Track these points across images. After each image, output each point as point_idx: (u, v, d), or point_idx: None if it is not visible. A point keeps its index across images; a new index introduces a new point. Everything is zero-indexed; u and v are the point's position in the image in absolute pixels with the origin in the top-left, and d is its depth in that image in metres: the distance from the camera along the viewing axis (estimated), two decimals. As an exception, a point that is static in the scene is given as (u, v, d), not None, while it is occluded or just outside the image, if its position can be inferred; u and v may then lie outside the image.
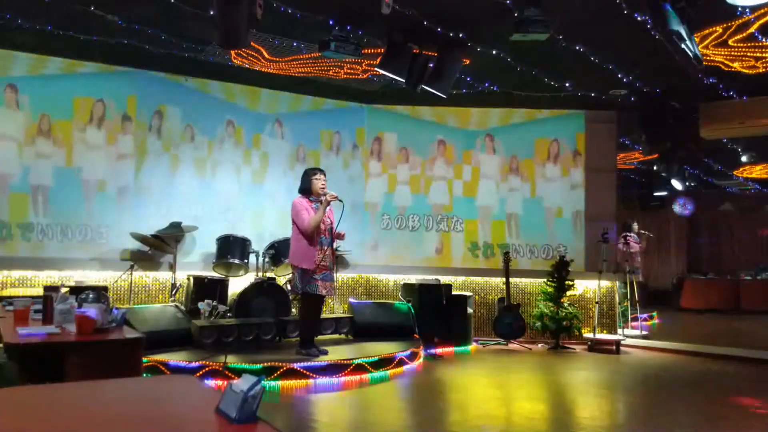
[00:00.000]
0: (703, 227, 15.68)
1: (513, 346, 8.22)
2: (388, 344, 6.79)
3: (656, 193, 13.48)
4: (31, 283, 6.82)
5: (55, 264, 6.89)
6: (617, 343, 8.07)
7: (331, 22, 5.92)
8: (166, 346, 5.89)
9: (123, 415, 1.96)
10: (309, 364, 5.79)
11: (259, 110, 8.13)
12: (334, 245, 6.18)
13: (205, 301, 6.69)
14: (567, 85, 7.71)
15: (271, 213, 8.07)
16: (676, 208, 14.37)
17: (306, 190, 6.04)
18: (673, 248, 15.85)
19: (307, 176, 6.08)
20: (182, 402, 2.14)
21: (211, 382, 5.33)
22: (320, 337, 7.05)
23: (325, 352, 6.08)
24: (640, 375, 6.78)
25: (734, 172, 12.35)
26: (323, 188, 5.98)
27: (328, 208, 5.94)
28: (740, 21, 5.70)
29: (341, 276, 8.35)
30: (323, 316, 7.53)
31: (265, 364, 5.65)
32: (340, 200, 5.89)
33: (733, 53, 6.41)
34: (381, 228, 8.76)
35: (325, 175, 6.11)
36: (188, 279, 7.21)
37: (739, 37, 6.02)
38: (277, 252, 7.31)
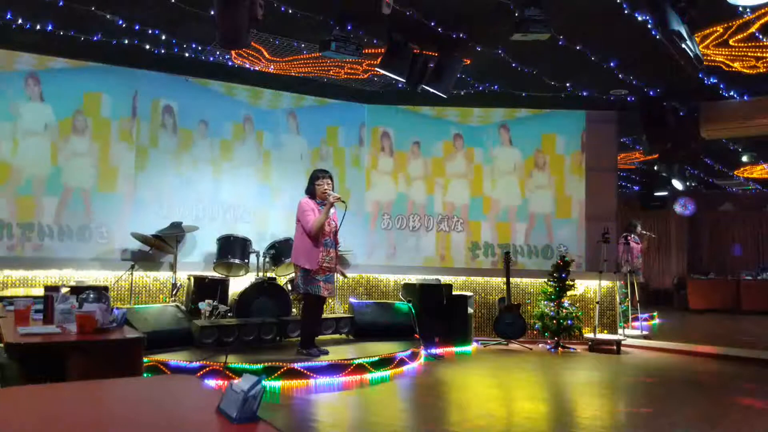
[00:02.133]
0: (704, 227, 15.68)
1: (513, 346, 8.22)
2: (389, 344, 6.79)
3: (657, 193, 13.50)
4: (31, 283, 6.82)
5: (56, 264, 6.90)
6: (618, 343, 8.07)
7: (331, 22, 5.92)
8: (167, 346, 5.89)
9: (123, 415, 1.96)
10: (309, 364, 5.79)
11: (260, 110, 8.12)
12: (338, 247, 6.18)
13: (206, 301, 6.69)
14: (567, 85, 7.72)
15: (272, 213, 8.08)
16: (677, 208, 14.37)
17: (312, 192, 6.06)
18: (674, 248, 15.85)
19: (312, 180, 6.10)
20: (183, 402, 2.14)
21: (212, 382, 5.32)
22: (321, 336, 7.05)
23: (326, 352, 6.09)
24: (640, 375, 6.77)
25: (735, 172, 12.35)
26: (326, 192, 5.97)
27: (332, 210, 5.95)
28: (741, 21, 5.70)
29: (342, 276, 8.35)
30: (324, 315, 7.54)
31: (266, 364, 5.65)
32: (343, 201, 5.90)
33: (733, 53, 6.41)
34: (382, 228, 8.76)
35: (331, 177, 6.11)
36: (189, 279, 7.22)
37: (739, 37, 6.02)
38: (278, 252, 7.32)
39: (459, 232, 8.81)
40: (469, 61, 6.96)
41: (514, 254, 8.62)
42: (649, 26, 5.65)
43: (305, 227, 5.88)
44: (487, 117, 8.86)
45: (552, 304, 8.18)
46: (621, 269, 9.06)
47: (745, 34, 5.96)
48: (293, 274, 6.68)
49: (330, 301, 8.20)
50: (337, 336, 7.23)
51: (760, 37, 5.98)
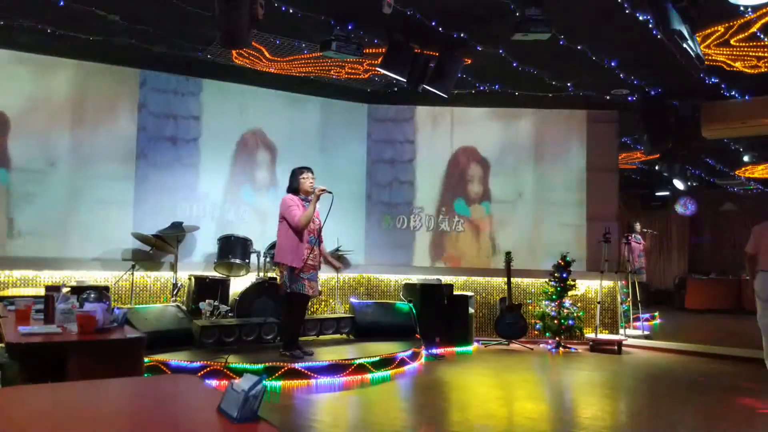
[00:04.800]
0: (705, 227, 15.67)
1: (514, 346, 8.21)
2: (390, 344, 6.78)
3: (658, 193, 13.49)
4: (32, 283, 6.82)
5: (57, 264, 6.90)
6: (619, 343, 8.06)
7: (332, 22, 5.92)
8: (168, 346, 5.89)
9: (124, 415, 1.96)
10: (310, 364, 5.78)
11: (260, 110, 8.12)
12: (322, 245, 6.10)
13: (207, 301, 6.70)
14: (568, 84, 7.71)
15: (273, 213, 8.06)
16: (678, 208, 14.36)
17: (294, 189, 5.98)
18: (675, 248, 15.85)
19: (295, 175, 6.01)
20: (184, 401, 2.14)
21: (213, 382, 5.32)
22: (322, 336, 7.06)
23: (311, 353, 6.01)
24: (641, 375, 6.77)
25: (736, 172, 12.34)
26: (312, 185, 5.91)
27: (318, 204, 5.87)
28: (742, 20, 5.69)
29: (342, 276, 8.35)
30: (325, 316, 7.54)
31: (267, 363, 5.65)
32: (330, 192, 5.81)
33: (735, 53, 6.41)
34: (383, 228, 8.76)
35: (312, 173, 6.03)
36: (190, 279, 7.22)
37: (741, 36, 6.01)
38: (279, 252, 7.30)
39: (460, 232, 8.80)
40: (470, 61, 6.95)
41: (514, 254, 8.59)
42: (650, 26, 5.65)
43: (292, 221, 5.78)
44: (487, 115, 8.86)
45: (553, 304, 8.17)
46: (626, 269, 9.05)
47: (746, 34, 5.96)
48: (279, 273, 6.30)
49: (330, 300, 8.21)
50: (338, 336, 7.23)
51: (762, 36, 5.98)
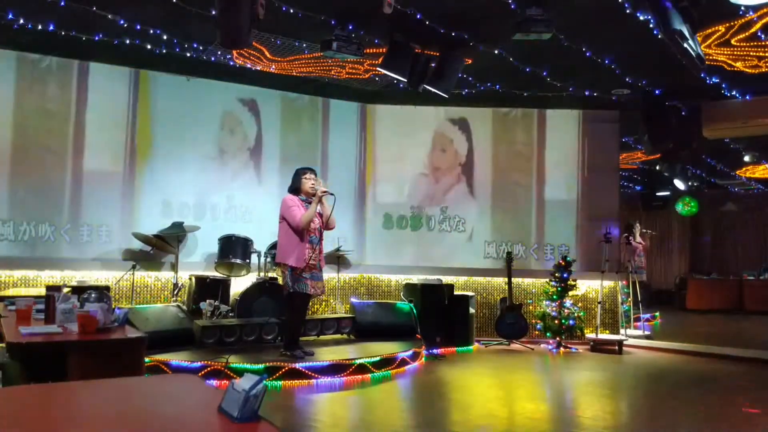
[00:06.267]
0: (706, 227, 15.67)
1: (515, 346, 8.21)
2: (390, 344, 6.79)
3: (659, 193, 13.49)
4: (33, 283, 6.82)
5: (57, 264, 6.90)
6: (620, 343, 8.06)
7: (332, 22, 5.92)
8: (168, 346, 5.90)
9: (125, 415, 1.96)
10: (311, 364, 5.78)
11: (260, 110, 8.11)
12: (323, 244, 6.11)
13: (207, 301, 6.70)
14: (569, 84, 7.70)
15: (274, 213, 8.05)
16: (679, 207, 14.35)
17: (296, 189, 5.99)
18: (676, 248, 15.84)
19: (297, 176, 6.04)
20: (184, 401, 2.14)
21: (213, 382, 5.32)
22: (323, 336, 7.06)
23: (311, 353, 6.01)
24: (642, 375, 6.77)
25: (737, 172, 12.34)
26: (313, 187, 5.92)
27: (319, 205, 5.88)
28: (743, 20, 5.69)
29: (343, 276, 8.35)
30: (325, 316, 7.54)
31: (267, 363, 5.65)
32: (332, 194, 5.83)
33: (735, 53, 6.40)
34: (383, 227, 8.76)
35: (315, 174, 6.05)
36: (190, 279, 7.22)
37: (741, 36, 6.01)
38: (279, 252, 7.30)
39: (461, 232, 8.80)
40: (470, 61, 6.95)
41: (515, 254, 8.59)
42: (651, 26, 5.64)
43: (292, 222, 5.79)
44: (487, 115, 8.85)
45: (554, 304, 8.17)
46: (627, 268, 9.05)
47: (747, 34, 5.95)
48: (282, 273, 6.28)
49: (331, 300, 8.21)
50: (338, 336, 7.23)
51: (762, 36, 5.97)
